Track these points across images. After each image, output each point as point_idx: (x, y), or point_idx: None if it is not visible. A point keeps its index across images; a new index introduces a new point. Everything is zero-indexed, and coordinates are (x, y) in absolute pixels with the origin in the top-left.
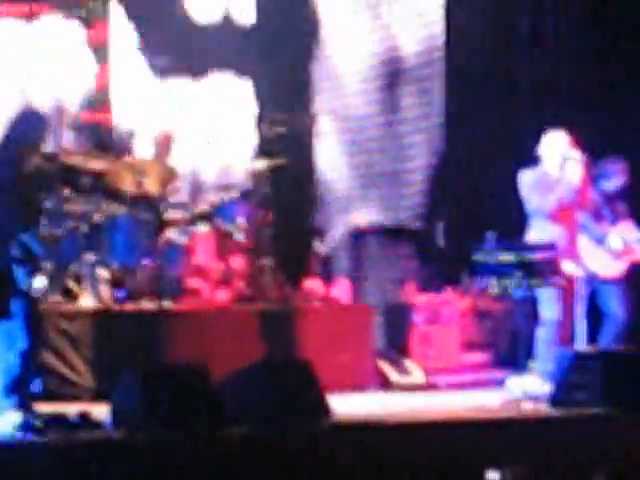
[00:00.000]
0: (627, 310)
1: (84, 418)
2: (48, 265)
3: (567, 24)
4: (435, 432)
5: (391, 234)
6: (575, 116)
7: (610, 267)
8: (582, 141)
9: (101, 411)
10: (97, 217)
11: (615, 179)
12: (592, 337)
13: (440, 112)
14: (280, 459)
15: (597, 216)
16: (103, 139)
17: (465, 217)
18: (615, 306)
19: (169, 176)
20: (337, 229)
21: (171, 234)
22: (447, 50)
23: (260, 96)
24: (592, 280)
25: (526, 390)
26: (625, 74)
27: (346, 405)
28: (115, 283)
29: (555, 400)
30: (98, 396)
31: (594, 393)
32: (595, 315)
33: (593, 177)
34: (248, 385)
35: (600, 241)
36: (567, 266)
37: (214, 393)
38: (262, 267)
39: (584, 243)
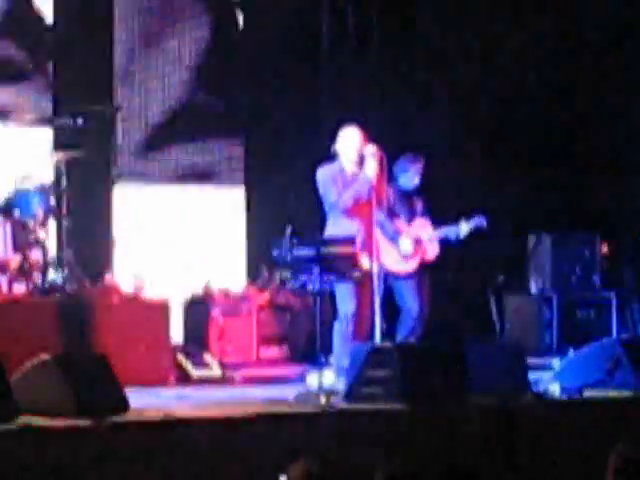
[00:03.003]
0: (420, 305)
1: None
2: None
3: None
4: (232, 427)
5: None
6: (371, 113)
7: (402, 264)
8: (378, 137)
9: None
10: None
11: (412, 176)
12: (389, 332)
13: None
14: (79, 452)
15: (392, 213)
16: None
17: (264, 211)
18: (409, 302)
19: None
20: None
21: None
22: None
23: (59, 87)
24: (387, 276)
25: (323, 384)
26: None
27: (143, 400)
28: None
29: (350, 394)
30: None
31: (389, 387)
32: (392, 310)
33: (390, 174)
34: (45, 378)
35: (393, 239)
36: (364, 261)
37: (7, 386)
38: (60, 260)
39: (379, 239)
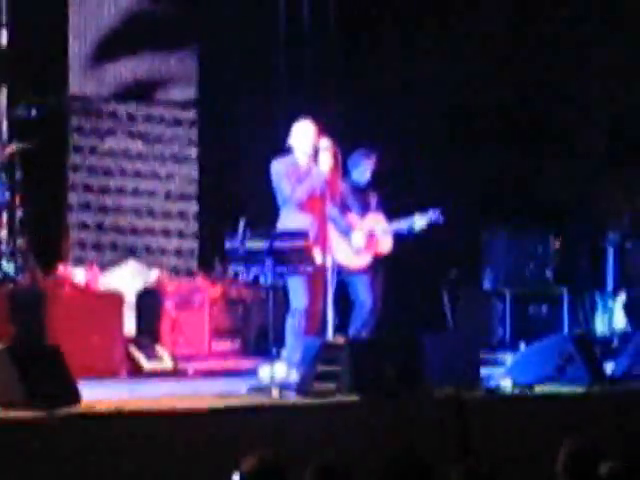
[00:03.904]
0: (374, 299)
1: None
2: None
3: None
4: (184, 420)
5: None
6: (324, 106)
7: (354, 259)
8: (331, 131)
9: None
10: None
11: (365, 170)
12: (342, 326)
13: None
14: (29, 444)
15: (345, 207)
16: None
17: (218, 204)
18: (362, 295)
19: None
20: None
21: None
22: None
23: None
24: (340, 270)
25: (275, 378)
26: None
27: (95, 391)
28: None
29: (302, 389)
30: None
31: (341, 383)
32: (345, 303)
33: (343, 168)
34: None
35: (346, 233)
36: (317, 255)
37: None
38: (13, 250)
39: (331, 234)
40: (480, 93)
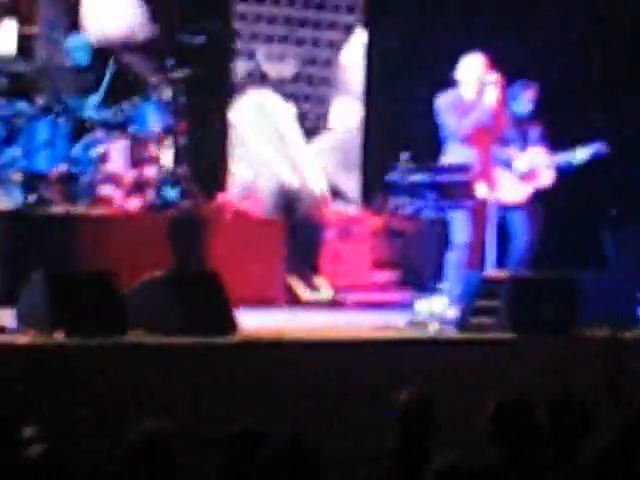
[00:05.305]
0: (531, 235)
1: None
2: None
3: None
4: (342, 350)
5: None
6: (491, 39)
7: (515, 191)
8: (498, 64)
9: (7, 315)
10: (16, 120)
11: (525, 102)
12: (500, 262)
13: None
14: (185, 369)
15: (505, 140)
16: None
17: (381, 137)
18: (520, 231)
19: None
20: None
21: (88, 140)
22: None
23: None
24: (500, 206)
25: (433, 312)
26: None
27: (254, 320)
28: (28, 187)
29: (461, 323)
30: (5, 300)
31: (500, 318)
32: (504, 240)
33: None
34: (156, 295)
35: (507, 165)
36: (480, 190)
37: (120, 301)
38: (175, 176)
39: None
40: None
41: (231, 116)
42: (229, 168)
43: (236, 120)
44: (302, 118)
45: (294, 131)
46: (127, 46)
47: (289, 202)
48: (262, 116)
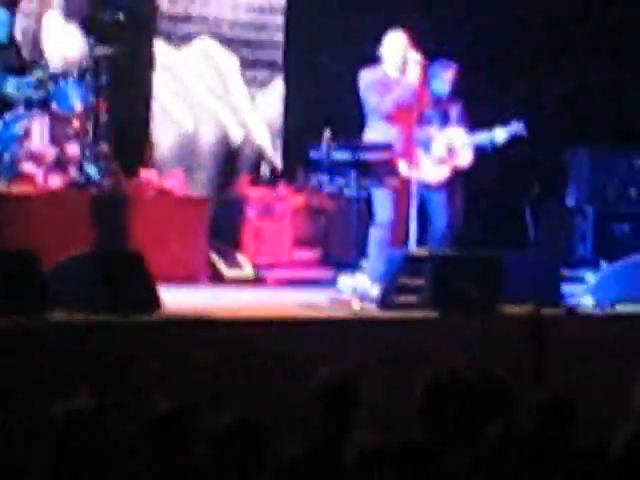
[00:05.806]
0: (450, 216)
1: None
2: None
3: None
4: (265, 328)
5: None
6: (413, 17)
7: (434, 172)
8: (420, 43)
9: None
10: None
11: (445, 81)
12: (421, 241)
13: None
14: (108, 347)
15: (426, 119)
16: None
17: (304, 115)
18: (440, 212)
19: None
20: None
21: (9, 117)
22: None
23: None
24: (420, 186)
25: (356, 289)
26: None
27: (177, 297)
28: None
29: (384, 301)
30: None
31: (423, 296)
32: (424, 219)
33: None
34: (78, 273)
35: (425, 146)
36: (402, 168)
37: (41, 280)
38: (97, 154)
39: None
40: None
41: (175, 64)
42: (152, 141)
43: (181, 68)
44: (252, 65)
45: (238, 83)
46: None
47: (231, 154)
48: (207, 66)
